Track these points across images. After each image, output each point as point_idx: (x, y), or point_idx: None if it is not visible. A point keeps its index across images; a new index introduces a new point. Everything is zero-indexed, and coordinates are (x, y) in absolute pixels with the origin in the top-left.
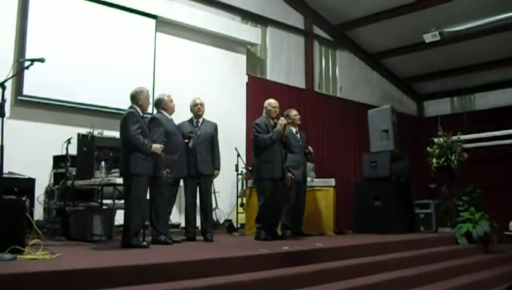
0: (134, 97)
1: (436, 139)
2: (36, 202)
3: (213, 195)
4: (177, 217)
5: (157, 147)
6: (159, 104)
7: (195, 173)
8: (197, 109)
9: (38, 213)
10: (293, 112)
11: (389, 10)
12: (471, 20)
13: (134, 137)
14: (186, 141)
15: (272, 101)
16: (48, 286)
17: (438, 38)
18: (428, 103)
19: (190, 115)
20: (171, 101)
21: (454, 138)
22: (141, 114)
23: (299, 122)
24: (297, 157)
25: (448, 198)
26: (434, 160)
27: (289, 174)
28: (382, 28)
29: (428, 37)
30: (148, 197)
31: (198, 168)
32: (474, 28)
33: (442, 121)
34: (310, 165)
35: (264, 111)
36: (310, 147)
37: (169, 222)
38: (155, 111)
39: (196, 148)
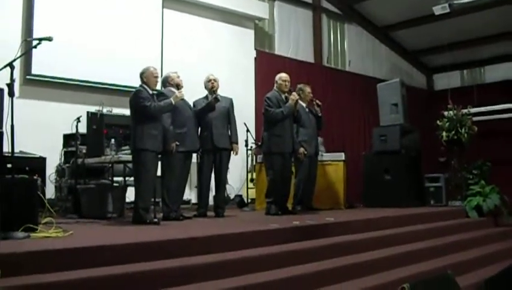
0: (141, 76)
1: (446, 113)
2: (47, 181)
3: None
4: (187, 193)
5: (175, 94)
6: (166, 81)
7: (212, 147)
8: (210, 85)
9: (50, 192)
10: (308, 89)
11: None
12: None
13: (151, 108)
14: (214, 96)
15: (283, 75)
16: (61, 263)
17: (448, 10)
18: (437, 76)
19: (199, 91)
20: (178, 77)
21: (464, 111)
22: (150, 92)
23: (308, 100)
24: (309, 131)
25: (459, 171)
26: (444, 133)
27: (302, 148)
28: (391, 1)
29: (437, 9)
30: (159, 173)
31: (215, 142)
32: None
33: (452, 94)
34: (319, 140)
35: (275, 85)
36: (317, 100)
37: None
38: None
39: (212, 123)
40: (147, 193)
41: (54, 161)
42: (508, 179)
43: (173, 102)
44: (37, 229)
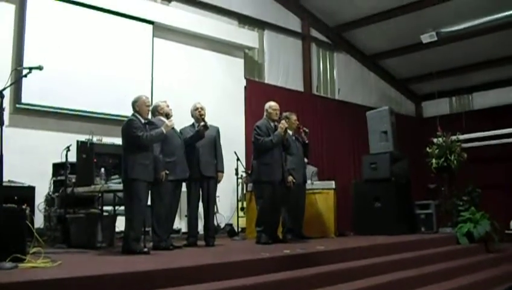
0: (133, 105)
1: (435, 140)
2: (36, 210)
3: None
4: (177, 222)
5: (165, 123)
6: (155, 110)
7: (199, 176)
8: (197, 113)
9: (39, 221)
10: (294, 117)
11: (385, 11)
12: (468, 20)
13: (143, 137)
14: (203, 124)
15: (272, 104)
16: None
17: (435, 38)
18: (426, 104)
19: (189, 120)
20: (167, 106)
21: (454, 137)
22: (142, 121)
23: (295, 128)
24: (296, 160)
25: (449, 198)
26: (434, 160)
27: (290, 177)
28: (379, 29)
29: (425, 38)
30: (149, 202)
31: (202, 170)
32: (470, 27)
33: (441, 121)
34: (313, 169)
35: (264, 114)
36: (304, 128)
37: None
38: None
39: (199, 151)
40: (139, 222)
41: (43, 190)
42: (498, 205)
43: (164, 131)
44: (25, 260)
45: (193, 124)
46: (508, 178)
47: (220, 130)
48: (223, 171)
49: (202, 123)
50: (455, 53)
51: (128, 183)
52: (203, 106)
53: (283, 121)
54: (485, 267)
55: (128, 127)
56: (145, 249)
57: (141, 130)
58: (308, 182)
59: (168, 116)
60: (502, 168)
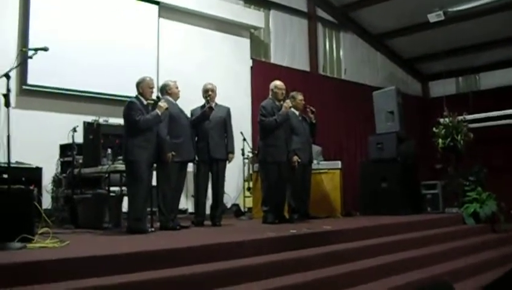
0: (137, 86)
1: (441, 120)
2: (44, 191)
3: None
4: (183, 202)
5: (159, 105)
6: (164, 89)
7: (208, 158)
8: (206, 94)
9: (47, 202)
10: (300, 97)
11: None
12: None
13: (140, 122)
14: (208, 106)
15: (278, 83)
16: (58, 274)
17: (442, 17)
18: (433, 83)
19: (194, 100)
20: (176, 87)
21: (460, 118)
22: (144, 102)
23: (301, 108)
24: (302, 140)
25: (455, 178)
26: (440, 140)
27: (295, 157)
28: (385, 9)
29: (432, 17)
30: (155, 183)
31: (211, 153)
32: (478, 6)
33: (448, 101)
34: (318, 149)
35: (270, 93)
36: (311, 107)
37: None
38: None
39: (208, 133)
40: (139, 203)
41: (50, 171)
42: (504, 185)
43: (159, 113)
44: (33, 240)
45: (204, 104)
46: None
47: None
48: (233, 153)
49: (208, 105)
50: (462, 32)
51: (128, 164)
52: (213, 86)
53: (287, 100)
54: (491, 248)
55: (127, 109)
56: (152, 229)
57: (139, 113)
58: (315, 162)
59: (158, 98)
60: (508, 148)
